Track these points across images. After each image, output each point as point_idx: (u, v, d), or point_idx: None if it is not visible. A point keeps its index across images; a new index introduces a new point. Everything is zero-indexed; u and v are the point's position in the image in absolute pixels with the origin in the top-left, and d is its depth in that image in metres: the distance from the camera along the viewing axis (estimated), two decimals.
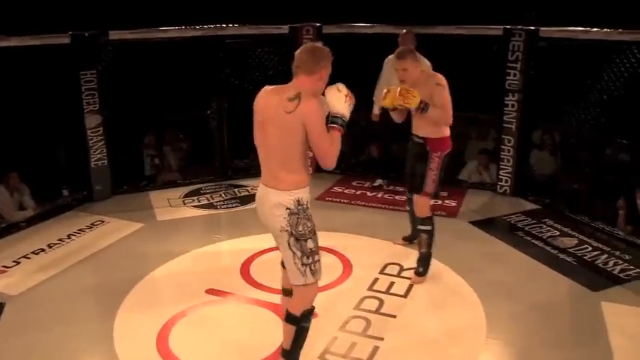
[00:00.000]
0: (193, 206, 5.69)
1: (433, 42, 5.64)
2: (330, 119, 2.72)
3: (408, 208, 4.65)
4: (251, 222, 5.22)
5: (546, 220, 5.29)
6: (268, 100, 2.73)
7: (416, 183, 4.11)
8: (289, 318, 2.88)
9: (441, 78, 3.91)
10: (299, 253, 2.75)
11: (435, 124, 3.98)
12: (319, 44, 2.82)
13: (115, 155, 5.85)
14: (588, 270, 4.31)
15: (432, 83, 3.88)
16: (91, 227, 5.13)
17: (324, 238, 4.66)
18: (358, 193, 6.07)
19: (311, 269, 2.78)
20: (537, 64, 5.53)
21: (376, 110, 5.69)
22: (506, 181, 5.91)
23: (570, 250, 4.67)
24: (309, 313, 2.87)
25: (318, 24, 6.23)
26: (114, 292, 3.94)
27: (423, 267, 4.11)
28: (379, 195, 5.99)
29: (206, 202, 5.81)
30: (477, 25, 5.82)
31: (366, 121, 6.06)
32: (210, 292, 3.96)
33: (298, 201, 2.72)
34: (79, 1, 5.71)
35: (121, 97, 5.81)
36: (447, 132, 4.05)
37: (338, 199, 5.88)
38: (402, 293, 3.93)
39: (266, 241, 4.73)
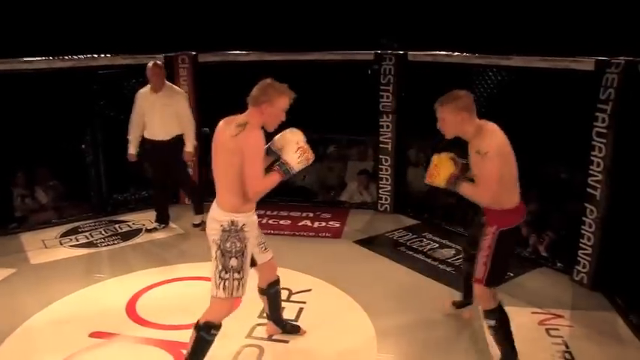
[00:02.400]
0: (71, 246, 5.37)
1: (310, 68, 5.83)
2: (277, 163, 3.02)
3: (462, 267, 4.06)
4: (135, 258, 5.09)
5: (426, 233, 5.58)
6: (221, 126, 3.02)
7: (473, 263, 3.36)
8: (195, 325, 3.06)
9: (486, 141, 3.02)
10: (220, 267, 3.00)
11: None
12: (271, 81, 3.04)
13: None
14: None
15: (474, 149, 3.07)
16: None
17: (209, 268, 4.65)
18: None
19: (225, 285, 3.00)
20: (408, 85, 5.85)
21: (132, 150, 5.46)
22: (386, 199, 6.17)
23: (449, 260, 4.95)
24: (211, 327, 3.03)
25: (193, 52, 6.19)
26: None
27: None
28: (264, 221, 5.99)
29: (85, 240, 5.50)
30: (350, 50, 6.06)
31: None
32: (95, 335, 3.75)
33: (232, 222, 2.98)
34: None
35: None
36: (513, 202, 3.18)
37: None
38: (293, 317, 3.95)
39: (152, 276, 4.63)
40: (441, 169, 3.19)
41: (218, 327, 3.07)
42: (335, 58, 6.05)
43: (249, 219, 3.05)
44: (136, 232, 5.68)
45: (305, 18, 7.43)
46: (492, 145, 3.00)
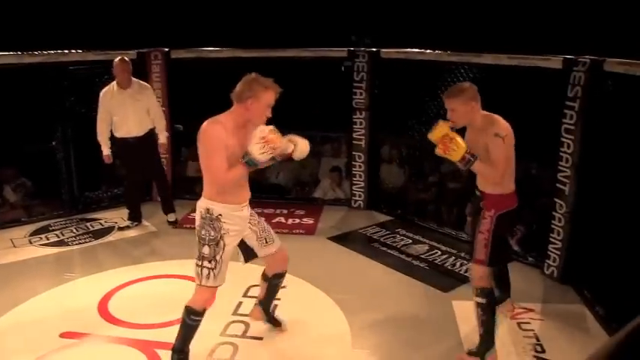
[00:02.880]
0: (41, 245, 5.28)
1: (284, 65, 5.82)
2: (243, 155, 2.98)
3: None
4: (107, 256, 5.03)
5: (399, 229, 5.63)
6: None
7: (472, 246, 3.56)
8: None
9: (503, 126, 3.27)
10: (197, 253, 3.10)
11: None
12: (256, 75, 3.02)
13: None
14: (439, 273, 4.65)
15: (491, 132, 3.24)
16: None
17: (183, 267, 4.63)
18: None
19: (200, 272, 3.09)
20: (381, 83, 5.89)
21: (106, 151, 5.39)
22: (360, 196, 6.20)
23: (422, 256, 5.00)
24: (190, 313, 3.16)
25: (166, 49, 6.13)
26: None
27: (476, 347, 3.45)
28: None
29: (56, 239, 5.41)
30: (324, 47, 6.07)
31: None
32: (66, 335, 3.70)
33: (208, 209, 3.05)
34: None
35: None
36: (509, 188, 3.42)
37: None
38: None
39: (124, 274, 4.59)
40: (457, 145, 3.22)
41: (198, 313, 3.15)
42: (308, 55, 6.05)
43: (229, 211, 3.06)
44: (107, 230, 5.61)
45: (279, 15, 7.43)
46: (509, 129, 3.27)
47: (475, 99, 3.31)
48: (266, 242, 3.38)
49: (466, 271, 4.65)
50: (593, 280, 4.27)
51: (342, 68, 6.09)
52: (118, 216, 5.90)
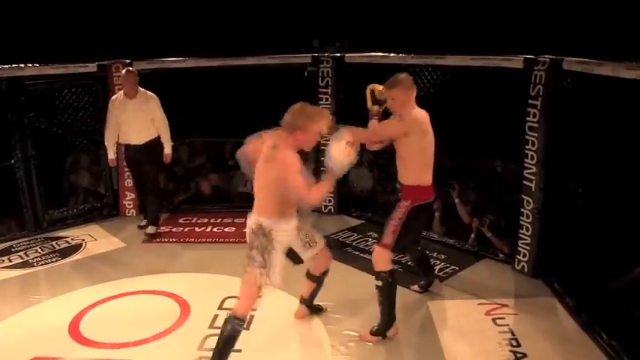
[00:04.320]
0: (4, 267, 5.08)
1: (247, 72, 5.80)
2: (329, 166, 3.15)
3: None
4: (75, 276, 4.89)
5: (371, 233, 5.65)
6: (264, 144, 3.21)
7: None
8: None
9: (413, 115, 3.62)
10: (253, 261, 3.25)
11: (411, 168, 3.68)
12: (304, 106, 3.19)
13: None
14: (413, 275, 4.66)
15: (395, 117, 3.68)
16: None
17: (154, 282, 4.55)
18: (186, 230, 5.93)
19: (257, 274, 3.24)
20: (346, 87, 5.90)
21: (111, 155, 5.66)
22: (330, 201, 6.20)
23: (395, 258, 5.00)
24: (234, 319, 3.27)
25: (127, 60, 6.02)
26: None
27: (377, 326, 3.74)
28: (208, 229, 5.92)
29: (19, 260, 5.23)
30: (287, 54, 6.06)
31: (189, 157, 5.99)
32: None
33: (261, 225, 3.20)
34: None
35: None
36: (424, 180, 3.70)
37: (167, 239, 5.68)
38: (244, 326, 3.89)
39: (94, 293, 4.48)
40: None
41: (240, 319, 3.30)
42: (272, 62, 6.03)
43: (275, 225, 3.21)
44: (75, 249, 5.46)
45: (242, 23, 7.39)
46: (417, 120, 3.59)
47: (412, 88, 3.63)
48: (310, 246, 3.56)
49: (439, 271, 4.70)
50: (562, 273, 4.37)
51: (305, 73, 6.09)
52: (86, 232, 5.77)
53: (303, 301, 3.97)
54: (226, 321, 3.28)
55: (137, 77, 5.51)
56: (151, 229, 5.70)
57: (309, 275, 3.83)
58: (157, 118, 5.52)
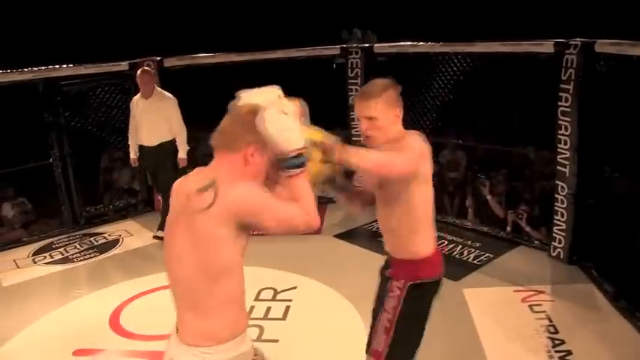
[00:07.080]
0: (46, 263, 5.25)
1: (276, 66, 5.83)
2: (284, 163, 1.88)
3: None
4: (114, 270, 5.01)
5: None
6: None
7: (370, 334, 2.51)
8: None
9: (411, 142, 2.33)
10: None
11: (411, 230, 2.41)
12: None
13: None
14: (447, 263, 4.60)
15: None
16: None
17: None
18: None
19: None
20: (376, 77, 5.85)
21: (133, 155, 5.51)
22: None
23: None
24: None
25: (158, 58, 6.11)
26: None
27: None
28: None
29: (60, 256, 5.39)
30: (316, 46, 6.07)
31: None
32: (79, 353, 3.68)
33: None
34: None
35: None
36: (429, 244, 2.47)
37: None
38: (280, 316, 3.95)
39: (133, 287, 4.57)
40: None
41: None
42: (301, 54, 6.05)
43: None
44: (112, 244, 5.60)
45: (268, 16, 7.43)
46: (416, 143, 2.38)
47: (400, 98, 2.44)
48: None
49: (474, 259, 4.69)
50: (599, 260, 4.30)
51: (334, 66, 6.09)
52: (122, 228, 5.90)
53: None
54: None
55: (153, 77, 5.42)
56: (160, 233, 5.58)
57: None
58: (172, 119, 5.31)
